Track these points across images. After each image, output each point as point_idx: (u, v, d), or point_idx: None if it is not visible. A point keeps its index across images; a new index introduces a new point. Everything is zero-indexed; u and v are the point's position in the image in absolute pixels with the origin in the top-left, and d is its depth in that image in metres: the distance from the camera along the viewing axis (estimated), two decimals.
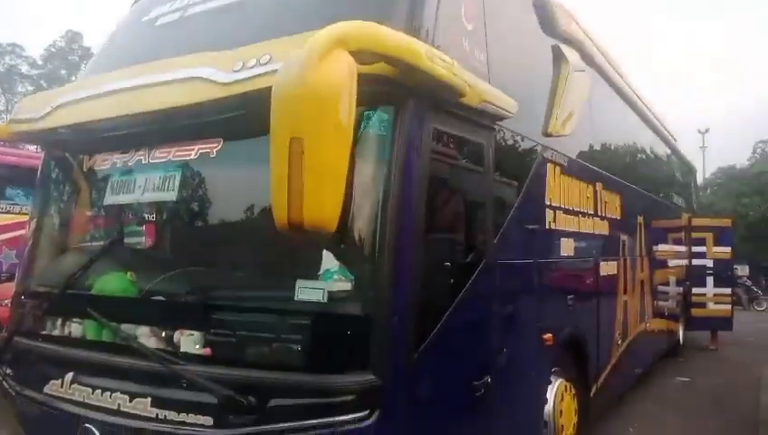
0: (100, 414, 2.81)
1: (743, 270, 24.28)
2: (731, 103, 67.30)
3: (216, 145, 2.93)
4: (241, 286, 2.93)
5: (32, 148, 9.25)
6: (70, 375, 3.00)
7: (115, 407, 2.77)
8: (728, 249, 10.98)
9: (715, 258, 10.86)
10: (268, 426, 2.44)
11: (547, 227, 4.34)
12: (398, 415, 2.57)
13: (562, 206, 4.61)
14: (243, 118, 2.70)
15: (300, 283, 2.58)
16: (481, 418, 3.29)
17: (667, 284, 8.99)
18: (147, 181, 3.12)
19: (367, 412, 2.46)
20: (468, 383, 3.15)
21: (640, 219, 7.14)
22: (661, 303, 8.45)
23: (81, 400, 2.91)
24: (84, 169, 3.54)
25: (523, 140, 4.04)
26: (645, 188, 7.57)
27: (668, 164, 10.02)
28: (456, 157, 3.20)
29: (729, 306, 11.04)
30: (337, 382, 2.48)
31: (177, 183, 3.02)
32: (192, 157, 2.98)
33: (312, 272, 2.61)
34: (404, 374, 2.60)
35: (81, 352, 3.09)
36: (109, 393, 2.82)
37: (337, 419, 2.43)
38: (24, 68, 39.58)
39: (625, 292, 6.32)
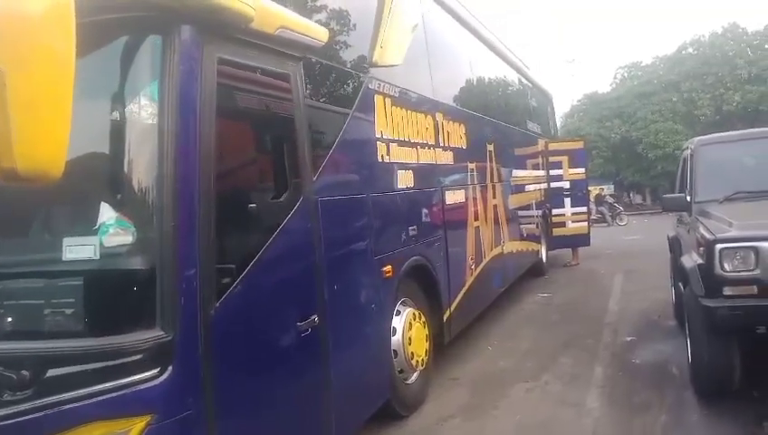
0: None
1: (608, 189, 26.27)
2: (599, 33, 71.02)
3: None
4: (7, 250, 2.62)
5: None
6: None
7: None
8: (582, 170, 11.68)
9: (571, 179, 11.53)
10: (43, 400, 2.23)
11: (380, 159, 4.29)
12: (196, 370, 2.44)
13: (397, 138, 4.57)
14: None
15: (67, 240, 2.33)
16: (310, 356, 3.24)
17: (525, 207, 9.44)
18: None
19: (157, 371, 2.31)
20: (289, 326, 3.07)
21: (490, 147, 7.33)
22: (519, 225, 8.88)
23: None
24: None
25: (342, 71, 3.89)
26: (494, 116, 7.75)
27: (521, 92, 10.35)
28: (254, 89, 3.00)
29: (585, 224, 11.85)
30: (119, 343, 2.30)
31: None
32: None
33: (86, 227, 2.37)
34: (199, 326, 2.45)
35: None
36: None
37: (122, 381, 2.26)
38: None
39: (476, 218, 6.51)
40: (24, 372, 2.23)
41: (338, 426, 3.47)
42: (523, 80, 10.38)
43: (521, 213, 9.04)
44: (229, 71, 2.75)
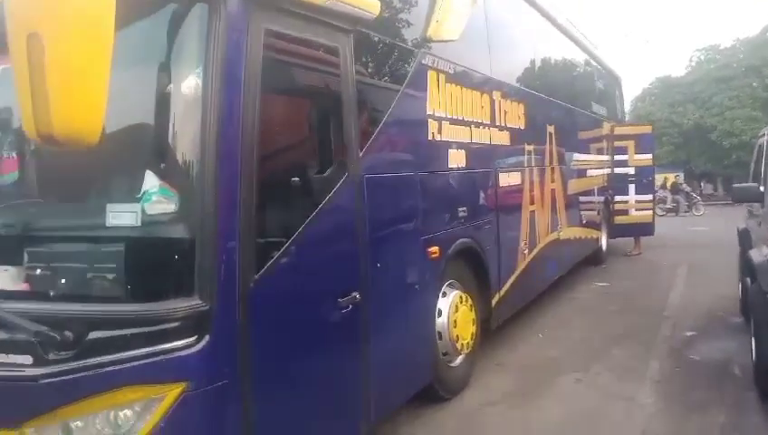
0: None
1: (679, 177, 25.21)
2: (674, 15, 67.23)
3: None
4: (58, 214, 2.70)
5: None
6: None
7: None
8: (649, 156, 11.16)
9: (636, 165, 11.05)
10: (85, 360, 2.28)
11: (430, 138, 4.18)
12: (233, 340, 2.45)
13: (450, 116, 4.44)
14: None
15: (111, 207, 2.37)
16: (350, 333, 3.22)
17: (586, 193, 9.12)
18: None
19: (193, 339, 2.33)
20: (330, 301, 3.04)
21: (551, 129, 7.07)
22: (579, 211, 8.59)
23: None
24: None
25: (394, 45, 3.79)
26: (556, 97, 7.46)
27: (586, 72, 9.93)
28: (301, 62, 2.96)
29: (650, 212, 11.36)
30: (157, 310, 2.32)
31: None
32: None
33: (130, 194, 2.40)
34: (237, 297, 2.45)
35: None
36: None
37: (160, 347, 2.29)
38: None
39: (532, 202, 6.32)
40: (68, 334, 2.29)
41: (376, 404, 3.45)
42: (590, 60, 9.95)
43: (581, 198, 8.74)
44: (276, 42, 2.71)
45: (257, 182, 2.55)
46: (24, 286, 2.52)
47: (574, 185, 8.24)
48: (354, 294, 3.18)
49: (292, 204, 2.89)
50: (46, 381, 2.32)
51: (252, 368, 2.52)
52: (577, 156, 8.51)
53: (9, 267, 2.55)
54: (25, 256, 2.51)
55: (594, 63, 10.30)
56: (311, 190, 2.97)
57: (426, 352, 4.15)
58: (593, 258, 9.87)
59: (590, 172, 9.35)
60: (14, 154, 2.82)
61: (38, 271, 2.47)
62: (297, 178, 2.86)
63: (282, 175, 2.82)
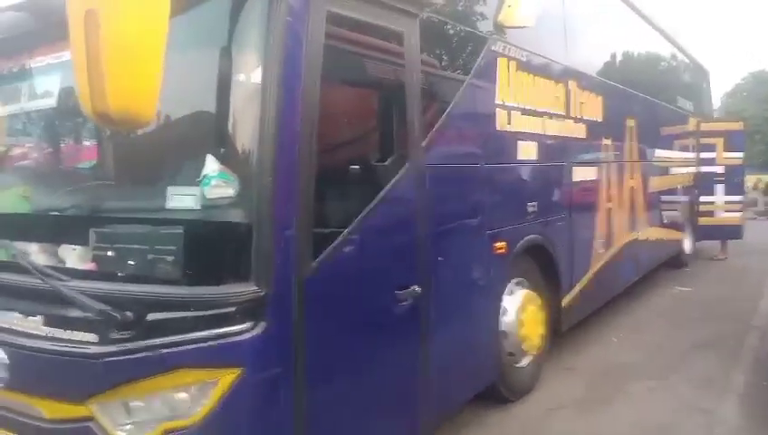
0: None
1: None
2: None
3: None
4: (122, 197, 2.75)
5: None
6: None
7: (12, 326, 2.66)
8: (740, 154, 10.42)
9: (725, 164, 10.35)
10: (144, 341, 2.30)
11: (498, 128, 4.02)
12: (288, 328, 2.41)
13: (520, 105, 4.26)
14: None
15: (171, 189, 2.39)
16: (409, 327, 3.12)
17: (669, 191, 8.63)
18: (29, 88, 2.89)
19: (249, 325, 2.30)
20: (388, 294, 2.96)
21: (631, 123, 6.70)
22: (660, 211, 8.13)
23: None
24: None
25: (462, 31, 3.65)
26: (638, 89, 7.07)
27: (671, 65, 9.37)
28: (363, 47, 2.88)
29: (739, 214, 10.62)
30: (213, 294, 2.31)
31: (56, 89, 2.79)
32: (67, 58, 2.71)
33: (190, 177, 2.40)
34: (293, 285, 2.41)
35: None
36: (5, 313, 2.70)
37: (215, 331, 2.28)
38: None
39: (608, 199, 6.00)
40: (128, 314, 2.32)
41: (439, 402, 3.35)
42: (676, 51, 9.39)
43: (663, 197, 8.25)
44: (338, 25, 2.65)
45: (316, 169, 2.50)
46: (90, 266, 2.58)
47: (656, 183, 7.80)
48: (414, 287, 3.08)
49: (352, 192, 2.82)
50: (107, 359, 2.36)
51: (306, 357, 2.47)
52: (659, 152, 8.04)
53: (78, 247, 2.62)
54: (92, 237, 2.57)
55: (680, 55, 9.72)
56: (370, 179, 2.89)
57: (489, 350, 4.00)
58: (675, 261, 9.32)
59: (673, 170, 8.83)
60: (90, 143, 2.91)
61: (103, 251, 2.53)
62: (357, 167, 2.79)
63: (341, 162, 2.76)
